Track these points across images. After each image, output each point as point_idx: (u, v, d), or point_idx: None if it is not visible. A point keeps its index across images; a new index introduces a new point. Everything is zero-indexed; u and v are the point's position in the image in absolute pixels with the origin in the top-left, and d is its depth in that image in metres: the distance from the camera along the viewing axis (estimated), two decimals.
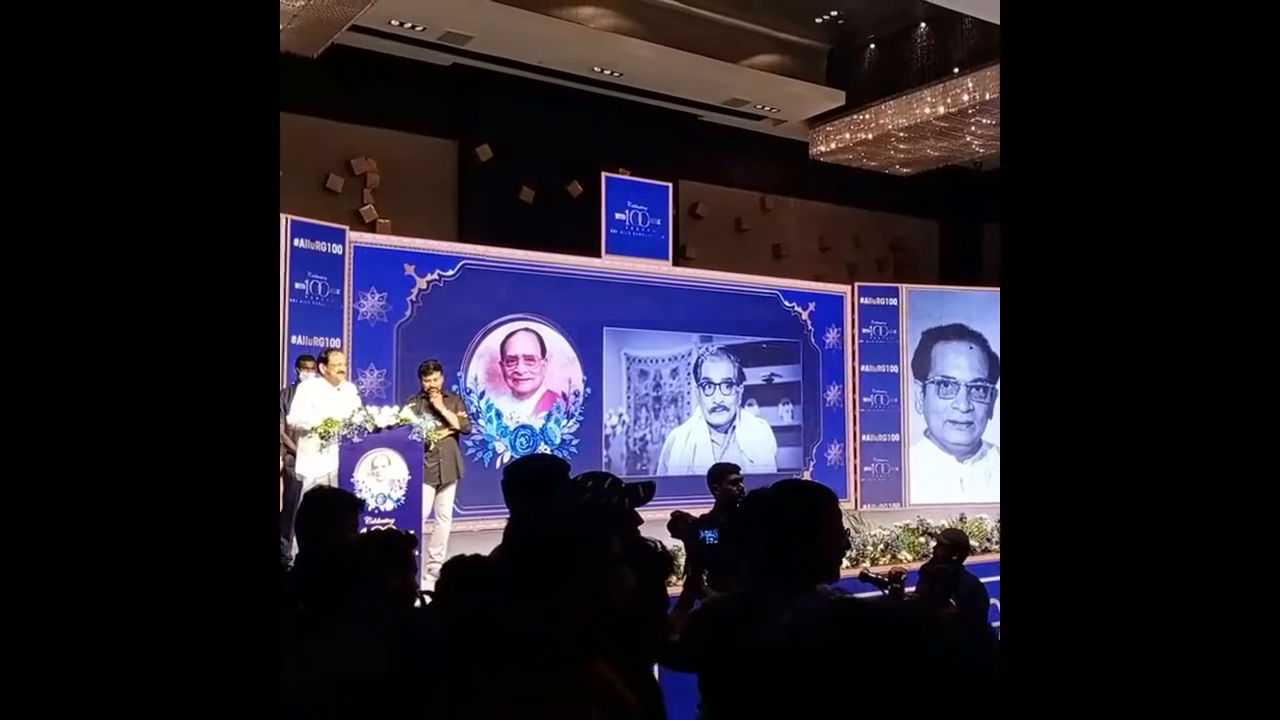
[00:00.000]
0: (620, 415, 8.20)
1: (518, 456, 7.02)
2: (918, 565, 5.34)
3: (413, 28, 8.66)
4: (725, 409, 8.57)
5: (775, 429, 8.82)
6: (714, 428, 8.48)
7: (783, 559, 2.00)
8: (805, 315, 9.77)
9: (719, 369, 8.59)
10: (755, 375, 8.72)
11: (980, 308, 10.39)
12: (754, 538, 2.46)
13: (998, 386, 9.86)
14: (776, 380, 8.84)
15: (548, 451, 7.82)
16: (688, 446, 8.32)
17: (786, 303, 9.73)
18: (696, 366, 8.49)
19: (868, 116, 10.58)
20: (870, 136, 10.62)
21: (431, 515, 5.88)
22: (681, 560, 3.83)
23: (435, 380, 6.02)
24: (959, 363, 9.94)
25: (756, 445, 8.62)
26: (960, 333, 10.00)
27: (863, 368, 9.84)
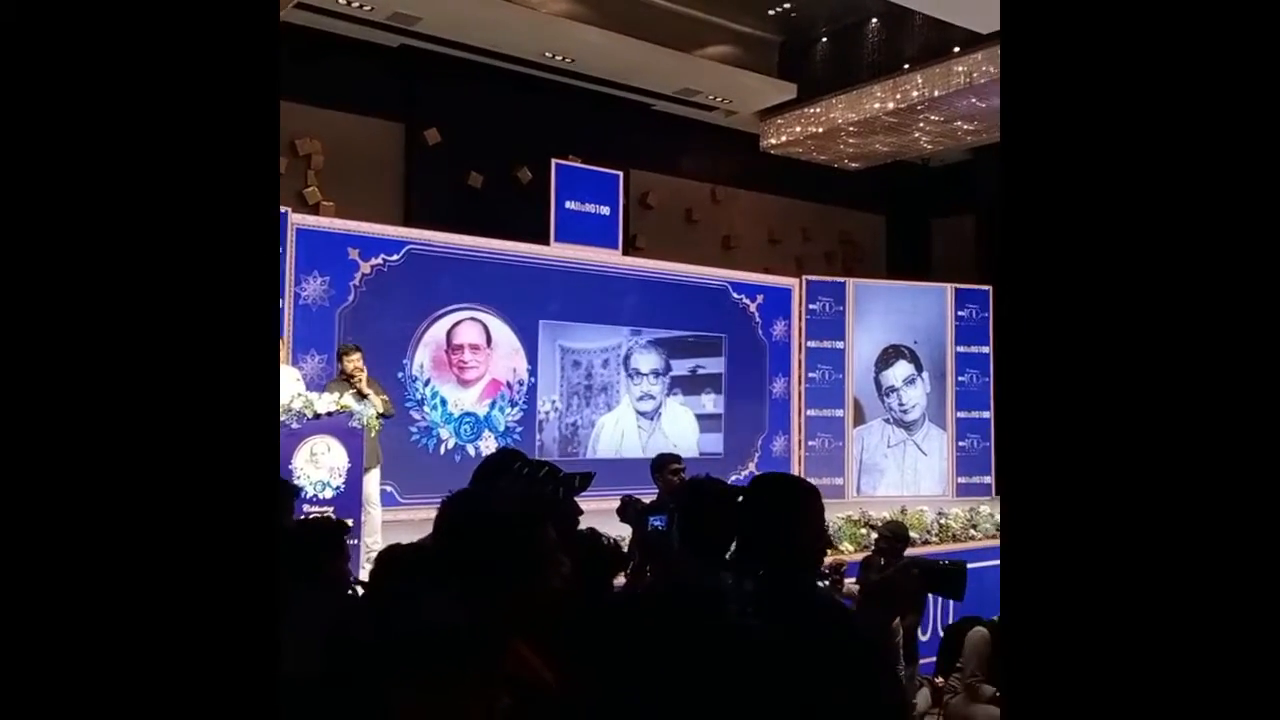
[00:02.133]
0: (554, 402, 8.37)
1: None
2: (859, 557, 5.38)
3: (360, 7, 8.51)
4: (652, 398, 8.86)
5: (699, 417, 9.11)
6: (641, 415, 8.77)
7: (761, 552, 1.97)
8: (754, 307, 9.83)
9: (647, 360, 8.86)
10: (681, 367, 8.99)
11: (926, 302, 10.51)
12: (711, 528, 2.46)
13: (925, 375, 10.22)
14: (701, 372, 9.12)
15: (492, 438, 7.83)
16: (616, 432, 8.60)
17: (735, 294, 9.76)
18: (626, 358, 8.73)
19: (818, 110, 10.62)
20: (820, 130, 10.66)
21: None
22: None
23: (358, 360, 5.91)
24: (895, 373, 10.33)
25: (681, 432, 8.92)
26: (896, 354, 10.35)
27: (809, 343, 10.02)
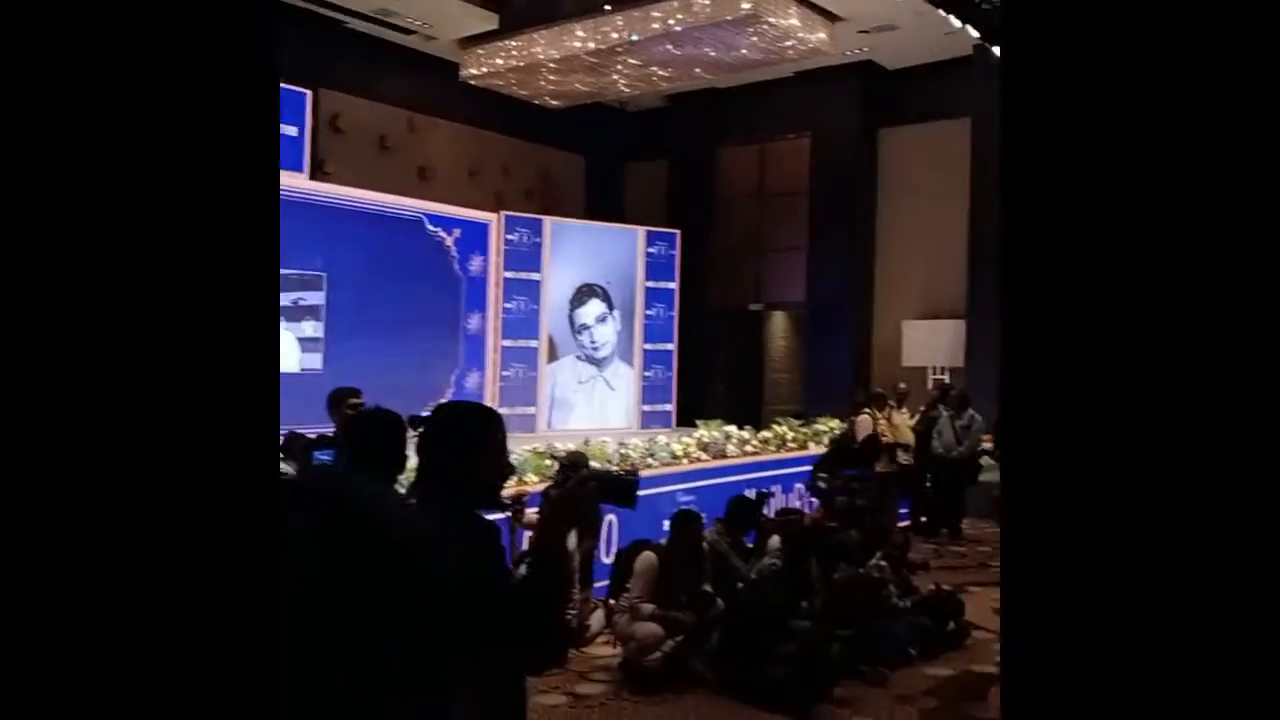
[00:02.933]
0: None
1: None
2: (542, 487, 5.52)
3: None
4: None
5: (300, 340, 9.25)
6: None
7: (436, 479, 1.91)
8: (450, 241, 9.69)
9: None
10: (286, 299, 8.98)
11: (620, 243, 10.85)
12: (379, 457, 2.40)
13: (616, 314, 10.68)
14: (302, 303, 9.25)
15: None
16: None
17: (431, 227, 9.57)
18: None
19: (519, 44, 10.51)
20: (521, 64, 10.58)
21: None
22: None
23: None
24: (588, 311, 10.78)
25: (283, 353, 8.99)
26: (589, 292, 10.78)
27: (506, 274, 10.13)
